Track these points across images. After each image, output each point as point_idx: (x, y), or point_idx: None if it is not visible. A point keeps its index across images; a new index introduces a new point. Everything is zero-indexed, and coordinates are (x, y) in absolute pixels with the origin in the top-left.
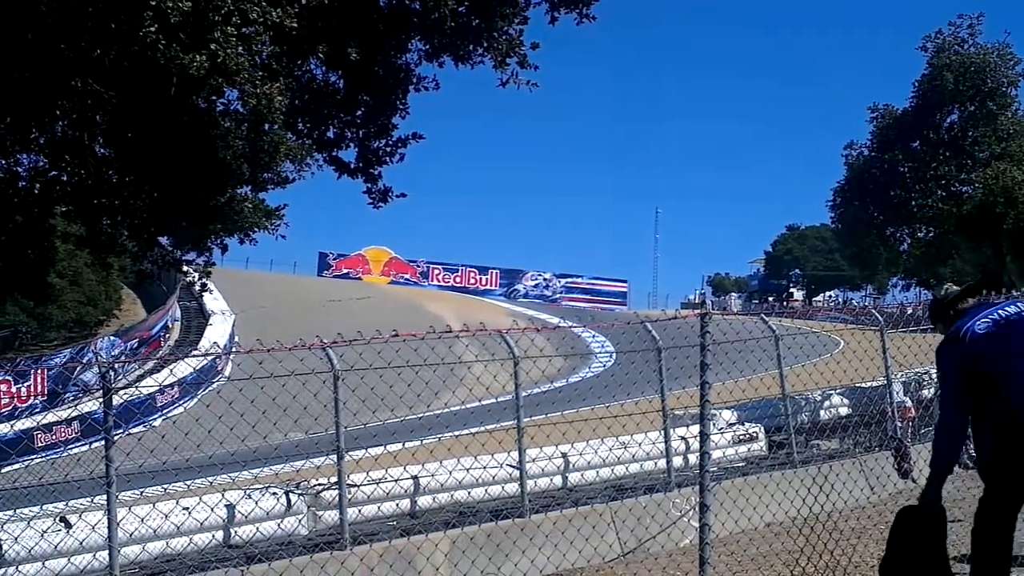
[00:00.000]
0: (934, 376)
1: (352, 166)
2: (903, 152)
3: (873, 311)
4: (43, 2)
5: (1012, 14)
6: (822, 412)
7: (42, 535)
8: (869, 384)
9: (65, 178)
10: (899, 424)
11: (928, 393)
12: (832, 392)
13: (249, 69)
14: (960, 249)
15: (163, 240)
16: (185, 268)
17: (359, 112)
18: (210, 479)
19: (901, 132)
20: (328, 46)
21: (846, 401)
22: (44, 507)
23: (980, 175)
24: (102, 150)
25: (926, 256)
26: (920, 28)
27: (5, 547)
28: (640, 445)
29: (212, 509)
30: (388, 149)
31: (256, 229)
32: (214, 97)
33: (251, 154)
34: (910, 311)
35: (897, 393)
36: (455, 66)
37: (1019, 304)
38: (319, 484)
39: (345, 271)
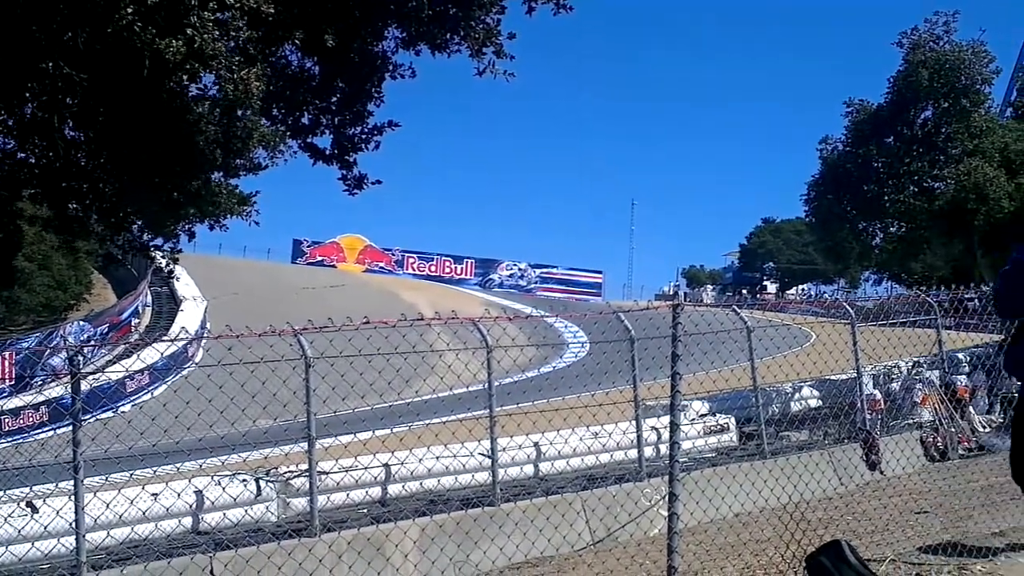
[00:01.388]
0: (903, 369)
1: (327, 152)
2: (877, 147)
3: (844, 304)
4: None
5: (987, 12)
6: (792, 404)
7: (5, 520)
8: (839, 377)
9: (33, 160)
10: (868, 416)
11: (896, 386)
12: (803, 384)
13: (226, 54)
14: (932, 244)
15: (132, 224)
16: (152, 253)
17: (334, 99)
18: (177, 465)
19: (876, 127)
20: (304, 32)
21: (816, 393)
22: (8, 492)
23: (952, 171)
24: (72, 133)
25: (898, 251)
26: (896, 24)
27: None
28: (611, 435)
29: (179, 495)
30: (363, 136)
31: (229, 215)
32: (190, 82)
33: (224, 140)
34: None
35: (867, 385)
36: (432, 54)
37: None
38: (289, 471)
39: (319, 258)
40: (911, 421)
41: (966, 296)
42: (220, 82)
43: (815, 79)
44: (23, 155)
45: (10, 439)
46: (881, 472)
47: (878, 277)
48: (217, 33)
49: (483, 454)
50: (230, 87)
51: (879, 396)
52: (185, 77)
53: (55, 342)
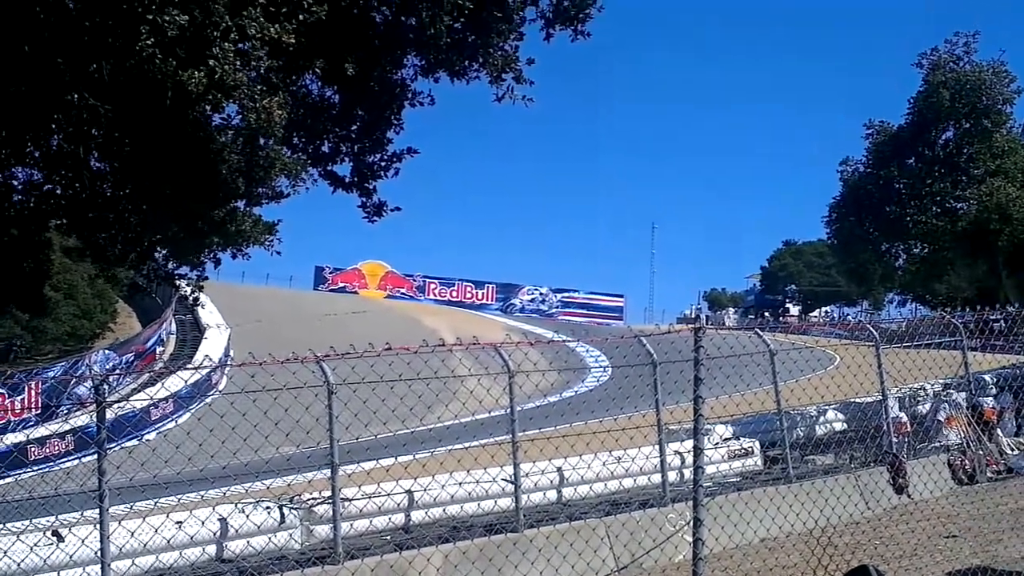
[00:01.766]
0: (929, 392)
1: (347, 180)
2: (898, 168)
3: (868, 326)
4: (41, 16)
5: (1007, 32)
6: (817, 427)
7: (31, 548)
8: (864, 399)
9: (60, 191)
10: (894, 439)
11: (923, 409)
12: (827, 407)
13: (247, 84)
14: (955, 265)
15: (156, 253)
16: (178, 282)
17: (354, 127)
18: (201, 493)
19: (897, 149)
20: (325, 61)
21: (841, 416)
22: (34, 520)
23: (975, 192)
24: (97, 164)
25: (921, 272)
26: (916, 46)
27: None
28: (634, 460)
29: (203, 523)
30: (383, 163)
31: (252, 244)
32: (213, 112)
33: (247, 168)
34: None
35: (892, 408)
36: (451, 81)
37: None
38: (312, 498)
39: (341, 285)
40: (938, 444)
41: (991, 317)
42: (243, 111)
43: (836, 102)
44: (50, 186)
45: (36, 468)
46: (908, 496)
47: (902, 298)
48: (239, 63)
49: (506, 480)
50: (252, 116)
51: (905, 419)
52: (208, 107)
53: (80, 371)
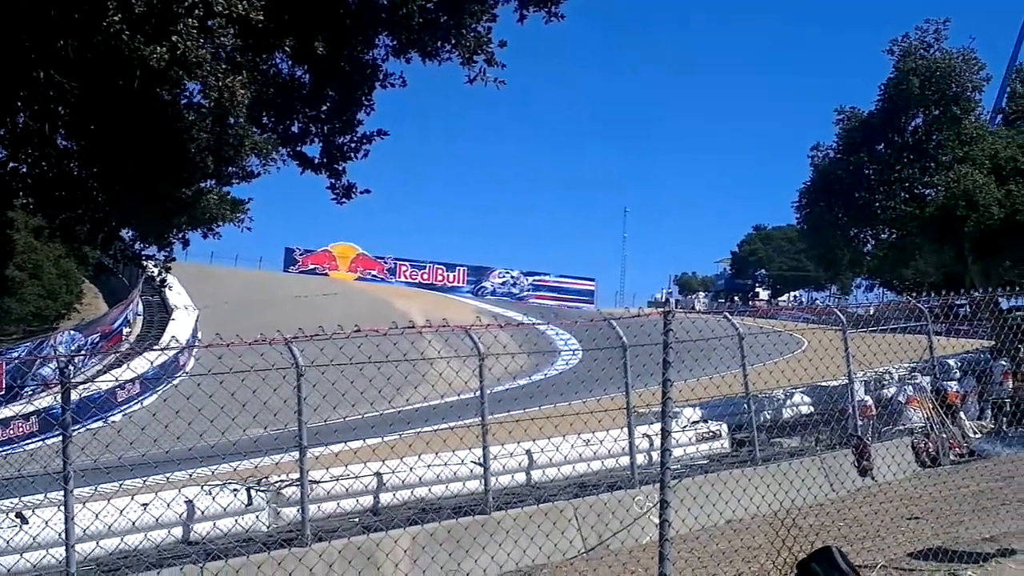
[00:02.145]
0: (894, 375)
1: (316, 161)
2: (868, 154)
3: (836, 311)
4: None
5: (977, 20)
6: (784, 410)
7: None
8: (831, 383)
9: (25, 170)
10: (860, 422)
11: (888, 392)
12: (794, 391)
13: (211, 62)
14: (923, 251)
15: (123, 233)
16: (145, 262)
17: (324, 107)
18: (167, 475)
19: (867, 135)
20: (294, 40)
21: (808, 399)
22: None
23: (943, 178)
24: (64, 142)
25: (889, 257)
26: (887, 31)
27: None
28: (603, 442)
29: (168, 505)
30: (353, 145)
31: (221, 222)
32: (173, 89)
33: (216, 148)
34: (872, 312)
35: (858, 392)
36: (422, 62)
37: None
38: (280, 480)
39: (312, 267)
40: (902, 427)
41: (957, 302)
42: (206, 89)
43: (805, 87)
44: (15, 164)
45: (0, 449)
46: (872, 478)
47: (870, 284)
48: (202, 40)
49: (475, 462)
50: (215, 94)
51: (870, 402)
52: (170, 84)
53: (45, 352)
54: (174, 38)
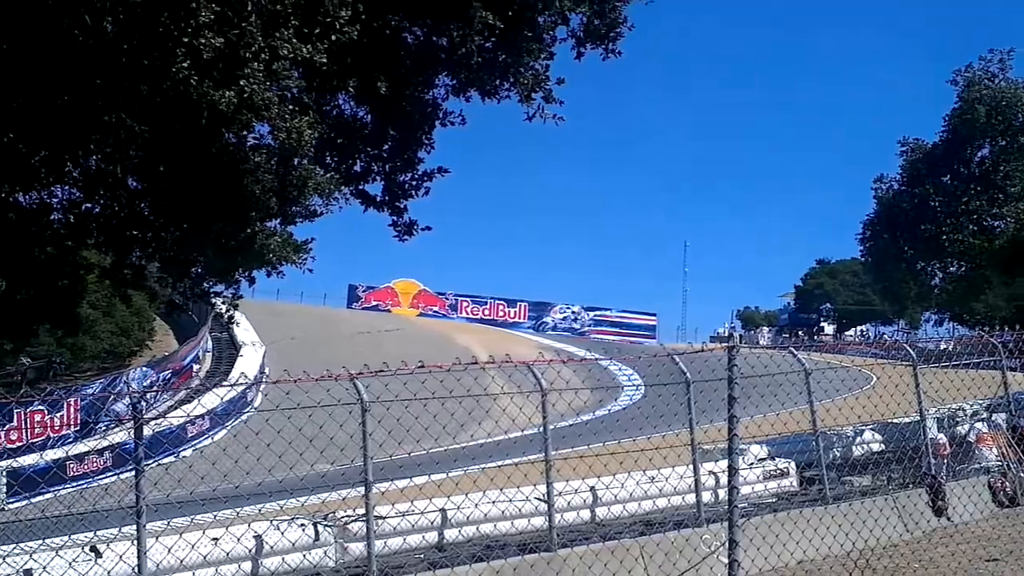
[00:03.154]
0: (968, 412)
1: (378, 199)
2: (933, 186)
3: (905, 346)
4: (79, 38)
5: None
6: (854, 448)
7: (70, 564)
8: (902, 420)
9: (97, 210)
10: (933, 461)
11: (962, 430)
12: (864, 428)
13: (278, 104)
14: (993, 284)
15: (192, 272)
16: (214, 299)
17: (386, 146)
18: (237, 509)
19: (931, 166)
20: (357, 81)
21: (878, 437)
22: (73, 536)
23: (1012, 209)
24: (134, 183)
25: (958, 291)
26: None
27: None
28: (668, 479)
29: (238, 539)
30: (414, 183)
31: (283, 263)
32: (242, 132)
33: (280, 188)
34: (943, 346)
35: (931, 429)
36: (481, 100)
37: None
38: (346, 515)
39: (374, 303)
40: (978, 465)
41: None
42: (274, 131)
43: (869, 119)
44: (88, 205)
45: (75, 484)
46: (948, 518)
47: (939, 318)
48: (269, 83)
49: (539, 499)
50: (283, 136)
51: (944, 440)
52: (238, 127)
53: (118, 388)
54: (241, 82)
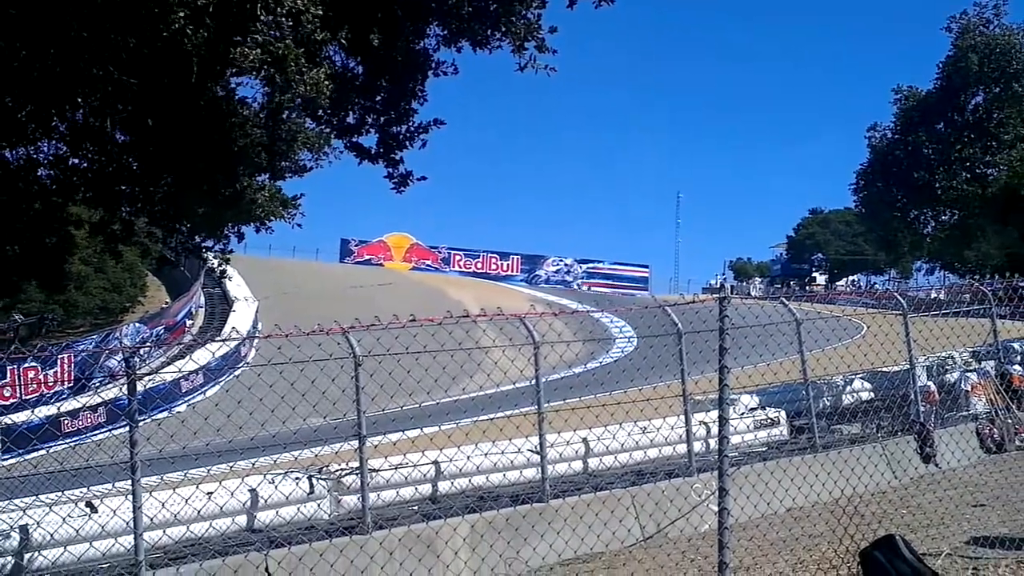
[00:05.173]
0: (957, 360)
1: (373, 151)
2: (927, 134)
3: (896, 295)
4: None
5: None
6: (844, 397)
7: (64, 520)
8: (892, 368)
9: (85, 165)
10: (922, 408)
11: (951, 377)
12: (854, 377)
13: (295, 56)
14: (985, 232)
15: (181, 227)
16: (205, 254)
17: (379, 98)
18: (230, 464)
19: (925, 114)
20: (349, 32)
21: (868, 385)
22: (67, 492)
23: (1005, 157)
24: (122, 137)
25: (950, 239)
26: (944, 8)
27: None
28: (660, 430)
29: (232, 494)
30: (408, 134)
31: (271, 218)
32: (268, 87)
33: (269, 142)
34: (934, 295)
35: (920, 377)
36: (473, 51)
37: None
38: (341, 469)
39: (367, 257)
40: (966, 413)
41: (1021, 284)
42: (290, 83)
43: (861, 67)
44: (75, 160)
45: (69, 440)
46: (936, 465)
47: (930, 266)
48: (290, 37)
49: (532, 450)
50: (301, 88)
51: (933, 388)
52: (264, 82)
53: (112, 344)
54: (259, 36)
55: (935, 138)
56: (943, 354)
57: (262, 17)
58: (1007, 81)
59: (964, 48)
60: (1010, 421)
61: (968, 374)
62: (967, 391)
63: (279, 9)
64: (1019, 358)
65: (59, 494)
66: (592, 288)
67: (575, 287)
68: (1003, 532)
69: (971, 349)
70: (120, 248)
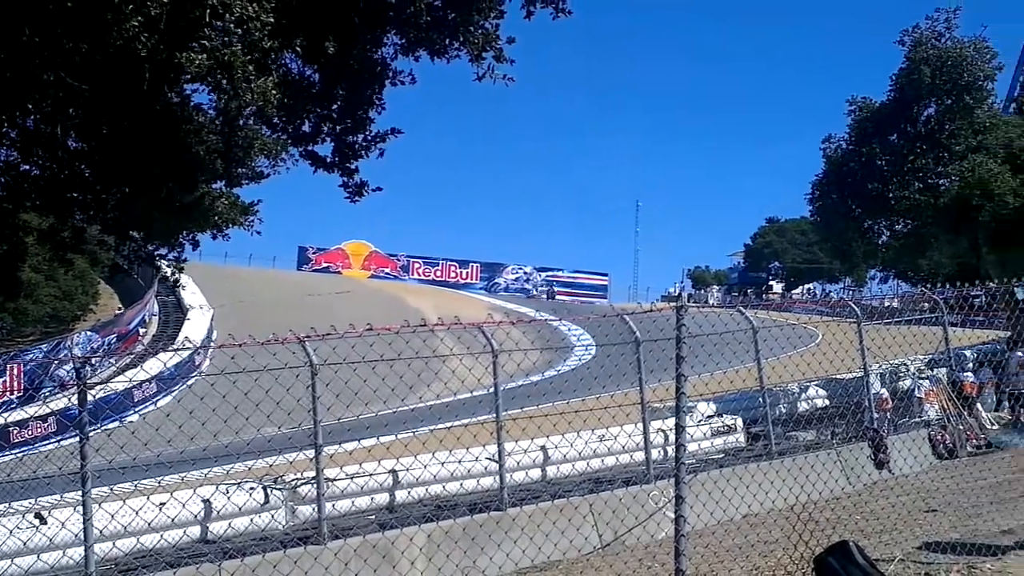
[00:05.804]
0: (911, 368)
1: (328, 160)
2: (881, 145)
3: (850, 303)
4: None
5: (988, 8)
6: (800, 404)
7: (11, 532)
8: (846, 376)
9: (36, 172)
10: (876, 415)
11: (904, 384)
12: (809, 384)
13: (243, 63)
14: (938, 241)
15: (135, 234)
16: (158, 262)
17: (335, 106)
18: (183, 475)
19: (879, 125)
20: (305, 39)
21: (823, 393)
22: (14, 503)
23: (957, 167)
24: (74, 144)
25: (904, 248)
26: (898, 22)
27: None
28: (618, 438)
29: (184, 505)
30: (365, 143)
31: (229, 226)
32: (214, 93)
33: (225, 149)
34: (887, 303)
35: (874, 384)
36: (431, 60)
37: None
38: (296, 478)
39: (325, 265)
40: (919, 419)
41: (972, 293)
42: (236, 91)
43: (817, 79)
44: (26, 167)
45: (17, 451)
46: (889, 471)
47: (884, 275)
48: (238, 45)
49: (490, 459)
50: (248, 96)
51: (886, 395)
52: (211, 88)
53: (62, 353)
54: (205, 42)
55: (888, 149)
56: (896, 361)
57: (211, 23)
58: (958, 93)
59: (917, 61)
60: (962, 427)
61: (921, 381)
62: (920, 398)
63: (228, 16)
64: (971, 366)
65: (6, 505)
66: (557, 297)
67: (536, 295)
68: (954, 537)
69: (923, 356)
70: (70, 256)
